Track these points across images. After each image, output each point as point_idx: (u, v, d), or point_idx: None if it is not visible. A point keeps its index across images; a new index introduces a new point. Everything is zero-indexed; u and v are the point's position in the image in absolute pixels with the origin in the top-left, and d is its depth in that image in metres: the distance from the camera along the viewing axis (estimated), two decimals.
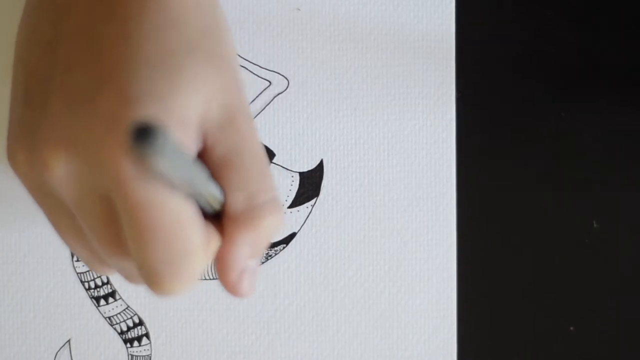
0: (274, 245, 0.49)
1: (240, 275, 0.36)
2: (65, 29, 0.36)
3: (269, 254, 0.49)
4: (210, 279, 0.49)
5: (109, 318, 0.48)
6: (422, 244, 0.49)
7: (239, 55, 0.48)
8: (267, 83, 0.48)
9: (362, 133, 0.49)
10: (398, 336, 0.49)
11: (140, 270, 0.35)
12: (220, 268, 0.36)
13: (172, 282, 0.34)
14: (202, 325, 0.49)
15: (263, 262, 0.49)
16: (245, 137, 0.36)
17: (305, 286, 0.49)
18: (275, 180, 0.49)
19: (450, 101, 0.49)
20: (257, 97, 0.48)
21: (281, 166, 0.49)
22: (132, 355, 0.49)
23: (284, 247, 0.49)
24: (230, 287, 0.37)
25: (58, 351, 0.49)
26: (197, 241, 0.34)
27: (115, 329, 0.49)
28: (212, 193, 0.35)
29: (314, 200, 0.49)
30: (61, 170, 0.34)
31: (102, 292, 0.48)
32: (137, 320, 0.49)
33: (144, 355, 0.49)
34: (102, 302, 0.48)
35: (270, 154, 0.49)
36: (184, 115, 0.34)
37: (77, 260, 0.48)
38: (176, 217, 0.33)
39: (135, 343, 0.49)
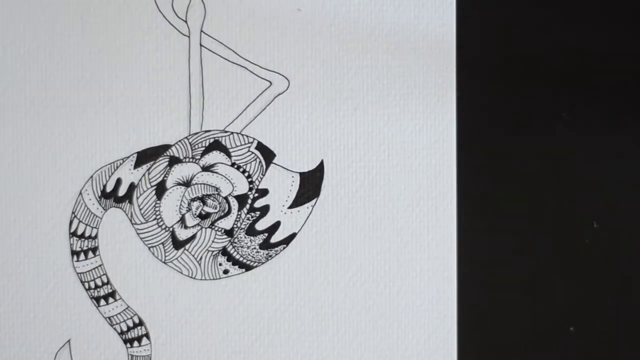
0: (274, 245, 0.49)
1: None
2: None
3: (269, 254, 0.49)
4: (210, 279, 0.49)
5: (109, 318, 0.48)
6: (423, 245, 0.49)
7: (240, 55, 0.48)
8: (268, 83, 0.48)
9: (362, 133, 0.49)
10: (398, 336, 0.49)
11: None
12: None
13: None
14: (202, 325, 0.49)
15: (263, 263, 0.49)
16: None
17: (305, 286, 0.49)
18: (275, 180, 0.49)
19: (450, 102, 0.49)
20: (257, 97, 0.48)
21: (281, 166, 0.49)
22: (132, 356, 0.49)
23: (284, 248, 0.49)
24: None
25: (58, 351, 0.49)
26: None
27: (115, 329, 0.49)
28: None
29: (314, 201, 0.49)
30: None
31: (102, 292, 0.48)
32: (137, 321, 0.49)
33: (144, 356, 0.49)
34: (102, 302, 0.48)
35: (271, 155, 0.49)
36: None
37: (78, 260, 0.48)
38: None
39: (135, 343, 0.49)
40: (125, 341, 0.49)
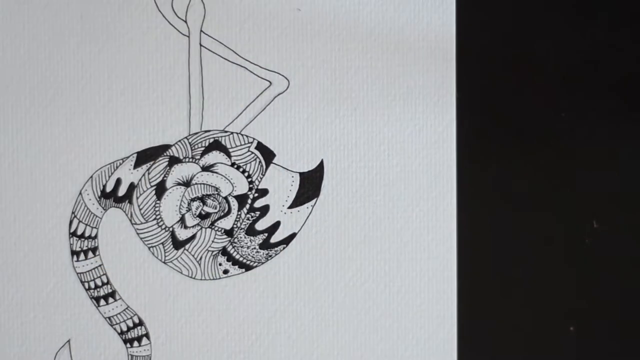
0: (274, 245, 0.49)
1: None
2: None
3: (269, 254, 0.49)
4: (210, 279, 0.49)
5: (109, 318, 0.48)
6: (423, 245, 0.49)
7: (240, 55, 0.48)
8: (268, 83, 0.48)
9: (362, 133, 0.49)
10: (398, 336, 0.49)
11: None
12: None
13: None
14: (202, 325, 0.49)
15: (263, 263, 0.49)
16: None
17: (305, 286, 0.49)
18: (275, 180, 0.49)
19: (450, 102, 0.49)
20: (257, 97, 0.48)
21: (281, 166, 0.49)
22: (132, 356, 0.49)
23: (284, 248, 0.49)
24: None
25: (58, 351, 0.49)
26: None
27: (115, 329, 0.49)
28: None
29: (314, 201, 0.49)
30: None
31: (102, 292, 0.48)
32: (137, 321, 0.49)
33: (144, 356, 0.49)
34: (102, 302, 0.48)
35: (271, 154, 0.49)
36: None
37: (77, 260, 0.48)
38: None
39: (135, 343, 0.49)
40: (125, 341, 0.49)
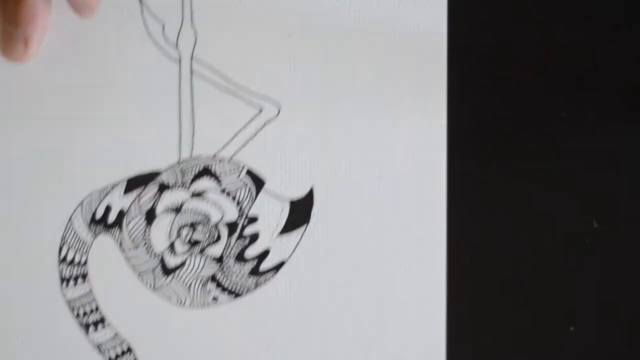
0: (263, 272, 0.48)
1: None
2: None
3: (258, 281, 0.48)
4: (199, 306, 0.48)
5: (98, 346, 0.48)
6: (414, 272, 0.48)
7: (230, 81, 0.48)
8: (258, 109, 0.48)
9: (352, 161, 0.48)
10: None
11: None
12: None
13: None
14: (191, 352, 0.48)
15: (252, 290, 0.48)
16: None
17: (294, 314, 0.49)
18: (265, 207, 0.48)
19: (442, 125, 0.49)
20: (248, 123, 0.48)
21: (271, 193, 0.48)
22: None
23: (273, 274, 0.48)
24: None
25: None
26: None
27: (104, 356, 0.48)
28: None
29: (303, 228, 0.48)
30: None
31: (92, 319, 0.48)
32: (126, 348, 0.48)
33: None
34: (92, 329, 0.48)
35: (261, 182, 0.48)
36: None
37: (67, 287, 0.48)
38: None
39: None
40: None
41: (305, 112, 0.48)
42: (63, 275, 0.48)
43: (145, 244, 0.48)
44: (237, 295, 0.48)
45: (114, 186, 0.48)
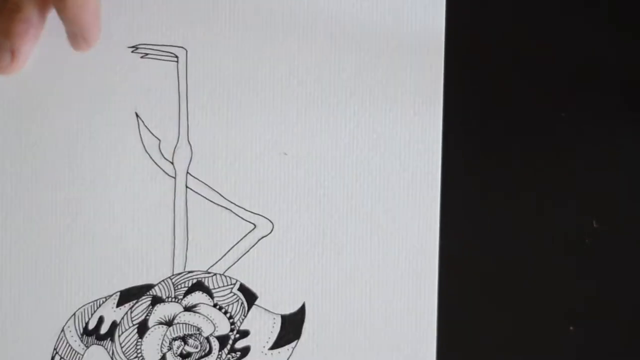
0: None
1: None
2: None
3: None
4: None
5: None
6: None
7: (225, 198, 0.49)
8: (252, 226, 0.49)
9: (344, 278, 0.49)
10: None
11: None
12: None
13: None
14: None
15: None
16: None
17: None
18: (257, 322, 0.49)
19: (436, 179, 0.49)
20: (241, 239, 0.49)
21: (263, 308, 0.49)
22: None
23: None
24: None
25: None
26: None
27: None
28: None
29: (294, 343, 0.49)
30: None
31: None
32: None
33: None
34: None
35: (253, 296, 0.49)
36: None
37: None
38: None
39: None
40: None
41: (299, 230, 0.49)
42: None
43: (137, 356, 0.48)
44: None
45: (107, 298, 0.48)
